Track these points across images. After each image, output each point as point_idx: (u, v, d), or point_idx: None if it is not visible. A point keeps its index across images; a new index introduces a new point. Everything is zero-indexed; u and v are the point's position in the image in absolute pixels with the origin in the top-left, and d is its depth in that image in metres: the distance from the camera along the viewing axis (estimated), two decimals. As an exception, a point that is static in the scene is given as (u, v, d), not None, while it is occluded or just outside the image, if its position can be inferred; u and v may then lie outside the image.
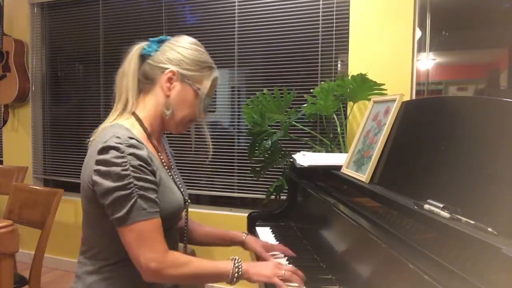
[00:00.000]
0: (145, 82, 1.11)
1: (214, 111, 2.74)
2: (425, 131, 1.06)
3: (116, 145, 0.94)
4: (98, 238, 1.05)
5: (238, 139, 2.64)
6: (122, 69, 1.12)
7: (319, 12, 2.34)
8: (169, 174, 1.13)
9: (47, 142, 3.25)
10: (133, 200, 0.93)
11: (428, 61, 2.17)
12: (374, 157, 1.19)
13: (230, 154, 2.63)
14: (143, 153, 0.97)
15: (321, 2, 2.33)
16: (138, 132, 1.06)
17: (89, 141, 1.07)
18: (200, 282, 1.07)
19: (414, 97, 2.14)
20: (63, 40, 3.18)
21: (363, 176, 1.20)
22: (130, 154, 0.95)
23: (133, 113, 1.09)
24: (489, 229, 0.67)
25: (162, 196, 1.03)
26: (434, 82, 2.19)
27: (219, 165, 2.65)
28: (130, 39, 2.92)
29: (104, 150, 0.95)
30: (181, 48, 1.11)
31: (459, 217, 0.75)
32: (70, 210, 2.97)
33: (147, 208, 0.94)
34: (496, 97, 0.91)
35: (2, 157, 3.33)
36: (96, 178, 0.95)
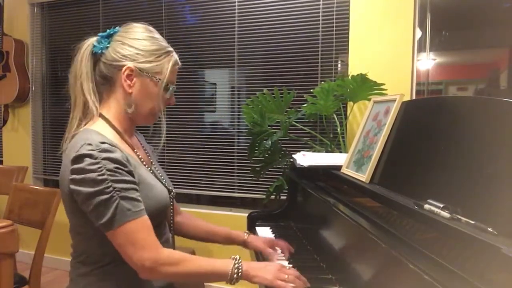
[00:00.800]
0: (104, 83, 1.08)
1: (214, 111, 2.75)
2: (425, 131, 1.06)
3: (88, 152, 0.93)
4: (86, 244, 1.04)
5: (238, 139, 2.64)
6: (74, 70, 1.08)
7: (319, 12, 2.34)
8: (149, 169, 1.12)
9: (47, 142, 3.25)
10: (115, 203, 0.91)
11: (428, 61, 2.17)
12: (374, 157, 1.19)
13: (230, 154, 2.63)
14: (117, 155, 0.95)
15: (321, 2, 2.33)
16: (109, 133, 1.04)
17: (62, 151, 1.05)
18: (198, 281, 1.06)
19: (414, 97, 2.13)
20: (63, 40, 3.18)
21: (363, 176, 1.20)
22: (104, 158, 0.93)
23: (100, 115, 1.07)
24: (489, 229, 0.67)
25: (145, 193, 1.01)
26: (434, 82, 2.19)
27: (219, 165, 2.65)
28: (130, 39, 2.95)
29: (78, 159, 0.93)
30: (133, 40, 1.05)
31: (459, 217, 0.75)
32: (70, 210, 2.96)
33: (131, 208, 0.93)
34: (496, 97, 0.91)
35: (2, 157, 3.33)
36: (74, 187, 0.93)
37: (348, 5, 2.24)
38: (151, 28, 1.10)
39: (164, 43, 1.10)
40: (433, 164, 0.96)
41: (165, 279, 1.03)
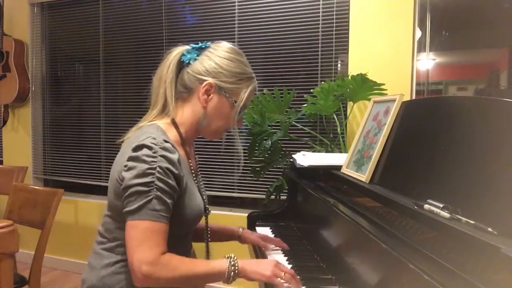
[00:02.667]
0: (183, 91, 1.12)
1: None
2: (425, 131, 1.06)
3: (150, 144, 0.97)
4: (120, 232, 1.03)
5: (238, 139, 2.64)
6: (160, 74, 1.13)
7: (319, 12, 2.34)
8: (195, 180, 1.15)
9: (47, 142, 3.25)
10: (148, 198, 0.94)
11: (428, 61, 2.17)
12: (374, 157, 1.19)
13: (230, 154, 2.63)
14: (174, 156, 0.99)
15: (321, 2, 2.33)
16: (173, 135, 1.08)
17: (121, 141, 1.09)
18: (195, 284, 1.05)
19: (414, 97, 2.14)
20: (63, 40, 3.18)
21: (363, 176, 1.20)
22: (161, 155, 0.97)
23: (172, 120, 1.11)
24: (489, 229, 0.67)
25: (187, 201, 1.05)
26: (434, 82, 2.19)
27: (219, 165, 2.65)
28: (130, 39, 2.96)
29: (138, 147, 0.97)
30: (220, 58, 1.10)
31: (459, 217, 0.75)
32: (70, 210, 2.97)
33: (159, 210, 0.95)
34: (496, 97, 0.91)
35: (2, 157, 3.33)
36: (124, 173, 0.97)
37: (348, 5, 2.24)
38: (239, 50, 1.14)
39: (248, 68, 1.14)
40: (433, 164, 0.96)
41: (160, 286, 0.98)
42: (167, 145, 0.99)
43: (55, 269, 3.04)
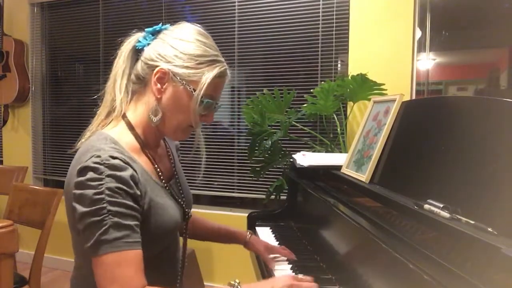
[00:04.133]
0: (137, 83, 0.96)
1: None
2: (425, 131, 1.06)
3: (94, 165, 0.82)
4: (86, 261, 0.91)
5: (238, 139, 2.64)
6: (114, 65, 0.98)
7: (319, 12, 2.34)
8: (166, 187, 0.99)
9: (47, 142, 3.25)
10: (104, 228, 0.79)
11: (428, 61, 2.17)
12: (374, 157, 1.19)
13: (230, 154, 2.63)
14: (125, 174, 0.84)
15: (321, 2, 2.33)
16: (128, 141, 0.93)
17: (75, 150, 0.95)
18: None
19: (414, 97, 2.14)
20: (63, 40, 3.18)
21: (363, 176, 1.20)
22: (109, 175, 0.82)
23: (123, 116, 0.96)
24: (489, 229, 0.67)
25: (154, 219, 0.91)
26: (434, 82, 2.19)
27: (219, 165, 2.65)
28: (130, 39, 2.95)
29: (82, 171, 0.83)
30: (176, 40, 0.92)
31: (459, 217, 0.75)
32: (70, 210, 2.96)
33: (120, 238, 0.80)
34: (496, 97, 0.91)
35: (2, 157, 3.33)
36: (73, 203, 0.84)
37: (348, 5, 2.24)
38: (203, 31, 0.96)
39: (212, 50, 0.94)
40: (433, 164, 0.96)
41: None
42: (115, 161, 0.83)
43: (55, 269, 3.04)
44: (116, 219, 0.80)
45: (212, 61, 0.93)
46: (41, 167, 3.27)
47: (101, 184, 0.81)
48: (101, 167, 0.82)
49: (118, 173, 0.83)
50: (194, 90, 0.91)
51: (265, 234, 1.54)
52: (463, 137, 0.91)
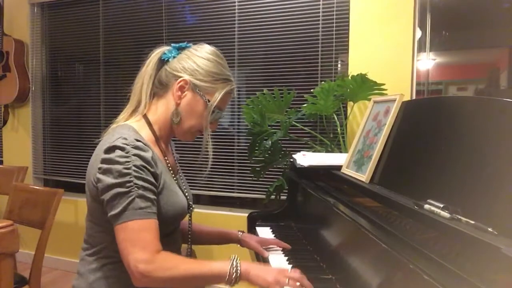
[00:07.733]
0: (159, 87, 1.13)
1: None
2: (425, 131, 1.06)
3: (121, 145, 0.97)
4: (102, 235, 1.05)
5: (238, 139, 2.64)
6: (141, 71, 1.15)
7: (319, 12, 2.34)
8: (174, 178, 1.15)
9: (47, 142, 3.25)
10: (130, 198, 0.94)
11: (428, 61, 2.17)
12: (374, 157, 1.19)
13: (230, 154, 2.63)
14: (147, 155, 0.99)
15: (321, 2, 2.33)
16: (146, 134, 1.08)
17: (98, 141, 1.09)
18: (195, 285, 1.03)
19: (414, 97, 2.14)
20: (63, 40, 3.18)
21: (363, 176, 1.20)
22: (135, 154, 0.97)
23: (144, 116, 1.12)
24: (489, 229, 0.67)
25: (166, 199, 1.04)
26: (434, 82, 2.19)
27: (219, 165, 2.65)
28: (130, 39, 2.96)
29: (110, 149, 0.97)
30: (198, 58, 1.11)
31: (459, 217, 0.75)
32: (70, 210, 2.96)
33: (144, 208, 0.95)
34: (496, 97, 0.91)
35: (2, 157, 3.33)
36: (99, 175, 0.97)
37: (348, 5, 2.24)
38: (220, 54, 1.15)
39: (226, 71, 1.14)
40: (433, 164, 0.96)
41: (160, 286, 0.96)
42: (139, 144, 0.99)
43: (55, 269, 3.04)
44: (141, 192, 0.95)
45: (225, 79, 1.13)
46: (41, 167, 3.27)
47: (128, 162, 0.96)
48: (128, 147, 0.97)
49: (142, 153, 0.98)
50: (209, 101, 1.10)
51: (265, 234, 1.54)
52: (463, 137, 0.91)
